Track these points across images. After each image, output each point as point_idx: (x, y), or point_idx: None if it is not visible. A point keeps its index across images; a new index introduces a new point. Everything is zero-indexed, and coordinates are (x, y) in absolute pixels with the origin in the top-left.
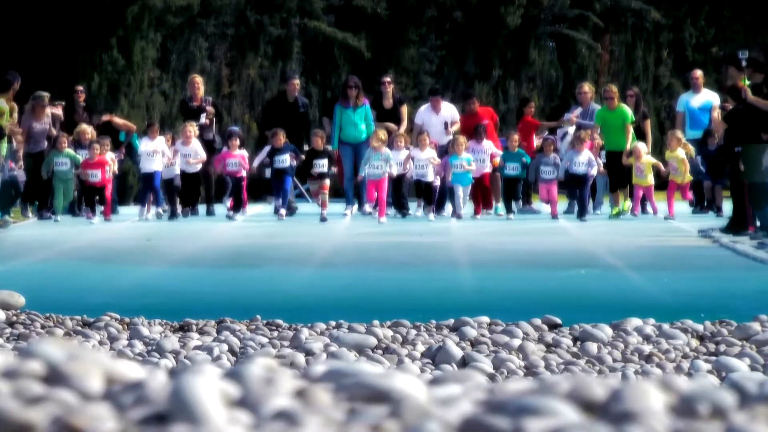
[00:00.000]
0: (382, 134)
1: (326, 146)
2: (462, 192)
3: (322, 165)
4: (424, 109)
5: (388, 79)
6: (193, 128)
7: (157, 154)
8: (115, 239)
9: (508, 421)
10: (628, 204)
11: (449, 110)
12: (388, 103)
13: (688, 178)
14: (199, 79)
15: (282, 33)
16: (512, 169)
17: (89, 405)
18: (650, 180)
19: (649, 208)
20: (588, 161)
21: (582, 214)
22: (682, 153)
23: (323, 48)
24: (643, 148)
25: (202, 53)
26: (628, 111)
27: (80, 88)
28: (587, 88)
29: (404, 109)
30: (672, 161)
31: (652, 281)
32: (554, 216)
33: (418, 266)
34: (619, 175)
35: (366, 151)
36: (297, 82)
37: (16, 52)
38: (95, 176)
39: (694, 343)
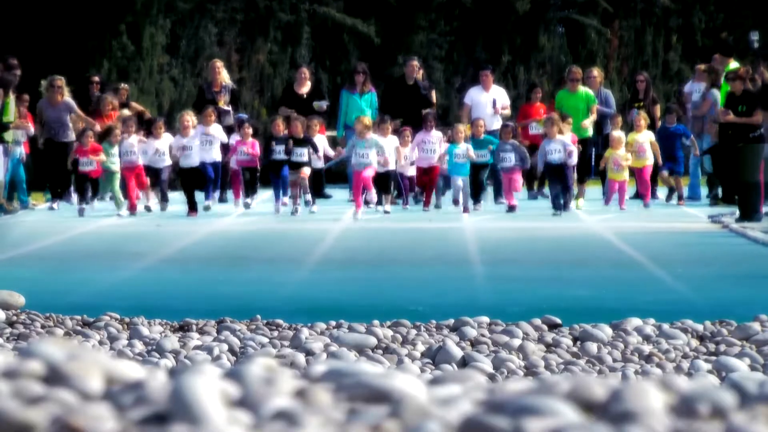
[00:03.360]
0: (367, 120)
1: (306, 134)
2: (462, 183)
3: (300, 154)
4: (473, 88)
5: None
6: (191, 117)
7: (215, 143)
8: (116, 235)
9: (508, 421)
10: (581, 202)
11: (499, 92)
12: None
13: (648, 162)
14: (219, 64)
15: (291, 18)
16: (480, 156)
17: (89, 405)
18: (626, 175)
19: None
20: (563, 147)
21: (565, 205)
22: (651, 135)
23: (332, 34)
24: (622, 137)
25: (211, 39)
26: (591, 93)
27: (96, 78)
28: (596, 72)
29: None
30: (642, 144)
31: (669, 274)
32: (511, 208)
33: (418, 265)
34: (580, 164)
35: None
36: (416, 63)
37: (25, 39)
38: (89, 164)
39: (694, 343)
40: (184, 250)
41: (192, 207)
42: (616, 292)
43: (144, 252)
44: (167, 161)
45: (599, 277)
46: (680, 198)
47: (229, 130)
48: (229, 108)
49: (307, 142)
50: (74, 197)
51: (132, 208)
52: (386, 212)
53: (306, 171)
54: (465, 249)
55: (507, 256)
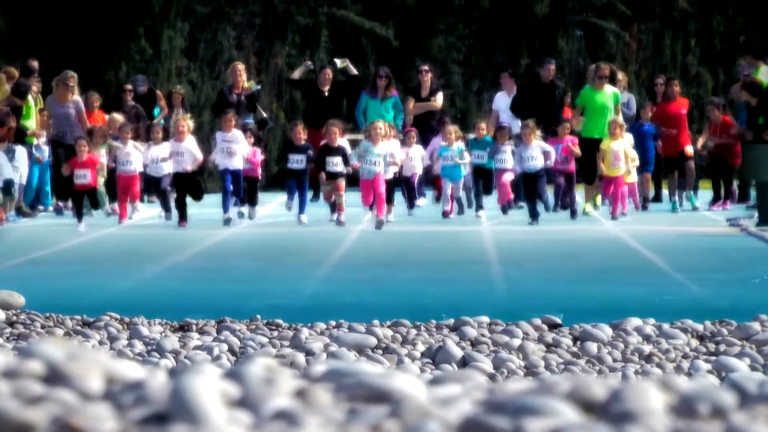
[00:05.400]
0: (383, 125)
1: (340, 143)
2: (452, 187)
3: (335, 163)
4: (499, 93)
5: (425, 68)
6: (186, 122)
7: (236, 149)
8: (119, 238)
9: (508, 421)
10: (589, 206)
11: None
12: (425, 92)
13: (622, 171)
14: (241, 67)
15: (310, 22)
16: (478, 157)
17: (89, 405)
18: (623, 170)
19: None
20: (542, 153)
21: (534, 216)
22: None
23: (351, 37)
24: (623, 124)
25: (229, 42)
26: (618, 92)
27: (129, 87)
28: (621, 76)
29: (440, 95)
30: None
31: (682, 276)
32: (504, 209)
33: (420, 265)
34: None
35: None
36: (552, 67)
37: (44, 42)
38: (84, 177)
39: (694, 343)
40: (187, 255)
41: (182, 215)
42: (627, 292)
43: (154, 256)
44: (167, 169)
45: (611, 278)
46: (644, 200)
47: (246, 129)
48: (254, 106)
49: (339, 151)
50: (73, 212)
51: (122, 218)
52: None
53: (342, 184)
54: (475, 251)
55: (519, 258)
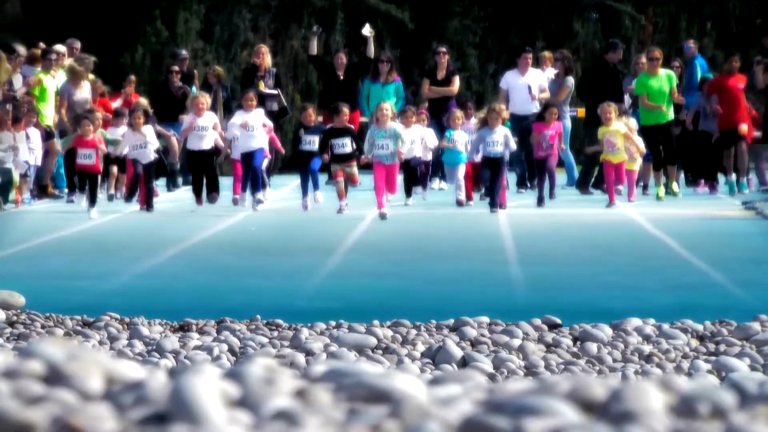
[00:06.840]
0: (387, 106)
1: (349, 124)
2: (457, 172)
3: (343, 144)
4: (509, 72)
5: (443, 49)
6: (205, 99)
7: (257, 130)
8: (118, 229)
9: (508, 421)
10: (675, 187)
11: (536, 76)
12: (442, 74)
13: (634, 162)
14: (265, 49)
15: (325, 4)
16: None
17: (89, 405)
18: (623, 155)
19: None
20: (505, 140)
21: (494, 204)
22: (623, 127)
23: (366, 19)
24: (614, 110)
25: (245, 24)
26: (673, 74)
27: (175, 68)
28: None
29: (456, 80)
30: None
31: (697, 259)
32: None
33: (422, 263)
34: (664, 150)
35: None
36: (620, 51)
37: (59, 24)
38: (89, 157)
39: (694, 343)
40: (187, 250)
41: (198, 194)
42: (627, 291)
43: (154, 251)
44: (151, 154)
45: (613, 277)
46: (645, 187)
47: (271, 115)
48: (276, 92)
49: (348, 132)
50: (77, 195)
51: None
52: (407, 204)
53: (354, 171)
54: (476, 249)
55: (521, 257)
